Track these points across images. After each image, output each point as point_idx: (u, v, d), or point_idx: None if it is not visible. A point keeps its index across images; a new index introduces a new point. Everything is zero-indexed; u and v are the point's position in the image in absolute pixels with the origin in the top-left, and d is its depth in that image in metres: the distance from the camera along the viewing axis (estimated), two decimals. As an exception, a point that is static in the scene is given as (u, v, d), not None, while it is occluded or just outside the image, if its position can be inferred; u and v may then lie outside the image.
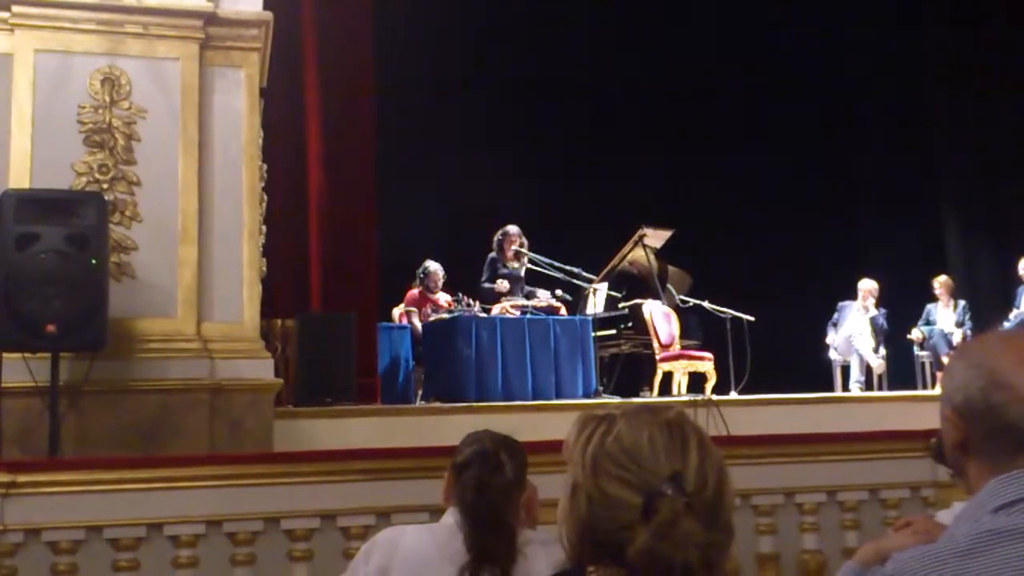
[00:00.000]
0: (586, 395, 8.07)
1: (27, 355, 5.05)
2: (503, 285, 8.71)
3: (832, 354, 10.19)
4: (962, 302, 10.33)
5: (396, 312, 9.03)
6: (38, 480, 3.58)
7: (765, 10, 11.83)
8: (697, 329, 9.49)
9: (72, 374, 5.22)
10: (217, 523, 3.64)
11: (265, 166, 6.46)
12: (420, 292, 8.93)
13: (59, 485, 3.59)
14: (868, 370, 9.87)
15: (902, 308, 10.40)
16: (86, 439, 5.26)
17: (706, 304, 9.36)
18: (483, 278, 8.94)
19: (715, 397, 7.99)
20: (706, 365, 8.78)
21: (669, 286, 9.57)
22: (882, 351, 9.97)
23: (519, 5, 11.27)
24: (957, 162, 12.76)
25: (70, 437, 5.17)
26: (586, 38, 11.50)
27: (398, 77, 9.65)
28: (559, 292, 8.95)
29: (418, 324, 8.61)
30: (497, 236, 9.01)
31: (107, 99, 5.65)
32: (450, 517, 2.43)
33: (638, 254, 9.52)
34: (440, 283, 8.93)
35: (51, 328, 4.87)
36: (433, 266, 8.93)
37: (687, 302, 9.54)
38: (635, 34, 11.57)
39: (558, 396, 7.90)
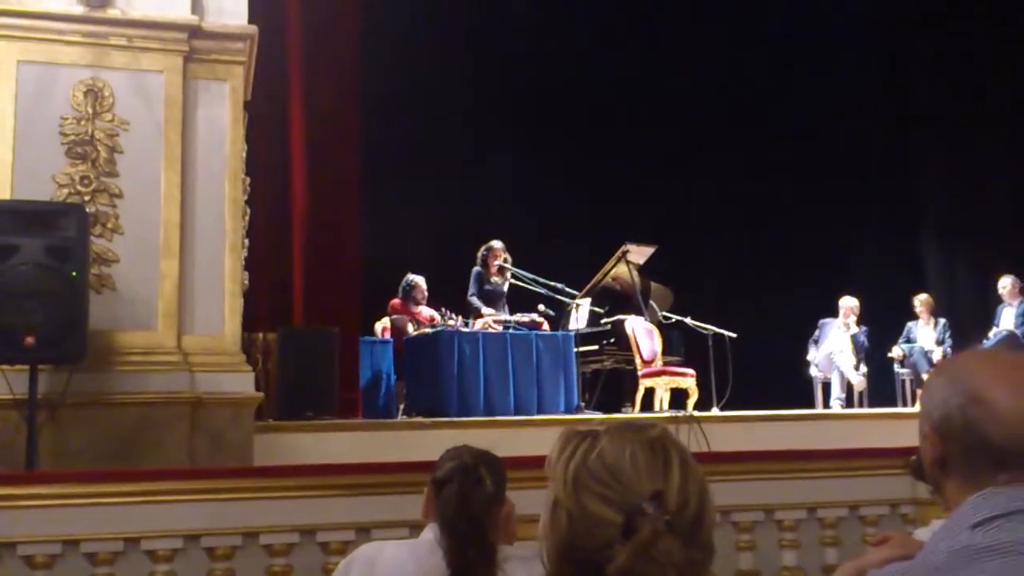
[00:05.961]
0: (568, 411, 8.06)
1: (5, 367, 5.01)
2: (488, 316, 8.69)
3: (813, 371, 10.23)
4: (942, 320, 10.39)
5: (379, 326, 9.02)
6: (15, 493, 3.55)
7: (748, 26, 11.92)
8: (679, 345, 9.51)
9: (51, 387, 5.19)
10: (195, 537, 3.62)
11: (248, 179, 6.45)
12: (402, 304, 8.94)
13: (36, 498, 3.56)
14: (849, 387, 9.90)
15: (883, 326, 10.45)
16: (64, 452, 5.21)
17: (688, 320, 9.38)
18: (471, 291, 8.97)
19: (696, 413, 7.98)
20: (688, 381, 8.79)
21: (652, 302, 9.59)
22: (863, 368, 10.00)
23: (505, 20, 11.30)
24: (937, 181, 12.87)
25: (48, 450, 5.13)
26: (571, 53, 11.55)
27: (383, 90, 9.65)
28: (542, 307, 8.96)
29: (409, 329, 8.59)
30: (482, 251, 9.05)
31: (90, 111, 5.63)
32: (430, 533, 2.42)
33: (621, 270, 9.54)
34: (425, 296, 8.97)
35: (30, 340, 4.84)
36: (417, 278, 8.97)
37: (669, 318, 9.56)
38: (619, 50, 11.62)
39: (540, 411, 7.89)
